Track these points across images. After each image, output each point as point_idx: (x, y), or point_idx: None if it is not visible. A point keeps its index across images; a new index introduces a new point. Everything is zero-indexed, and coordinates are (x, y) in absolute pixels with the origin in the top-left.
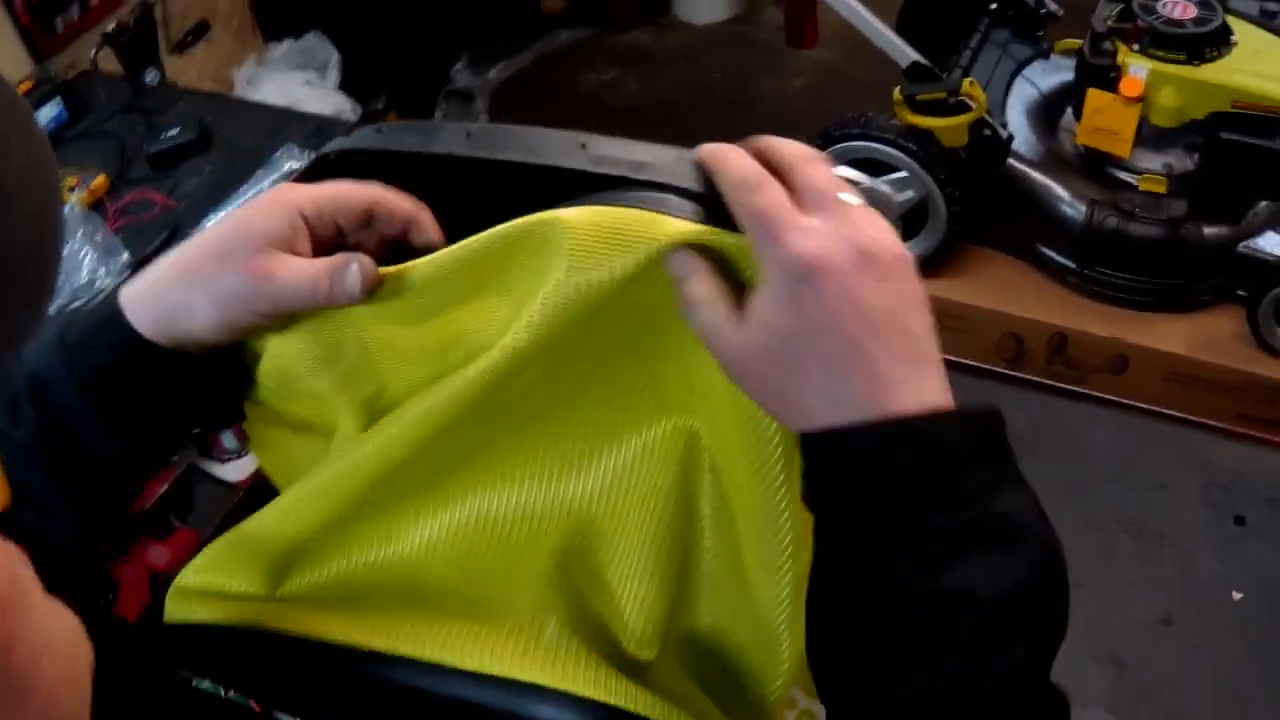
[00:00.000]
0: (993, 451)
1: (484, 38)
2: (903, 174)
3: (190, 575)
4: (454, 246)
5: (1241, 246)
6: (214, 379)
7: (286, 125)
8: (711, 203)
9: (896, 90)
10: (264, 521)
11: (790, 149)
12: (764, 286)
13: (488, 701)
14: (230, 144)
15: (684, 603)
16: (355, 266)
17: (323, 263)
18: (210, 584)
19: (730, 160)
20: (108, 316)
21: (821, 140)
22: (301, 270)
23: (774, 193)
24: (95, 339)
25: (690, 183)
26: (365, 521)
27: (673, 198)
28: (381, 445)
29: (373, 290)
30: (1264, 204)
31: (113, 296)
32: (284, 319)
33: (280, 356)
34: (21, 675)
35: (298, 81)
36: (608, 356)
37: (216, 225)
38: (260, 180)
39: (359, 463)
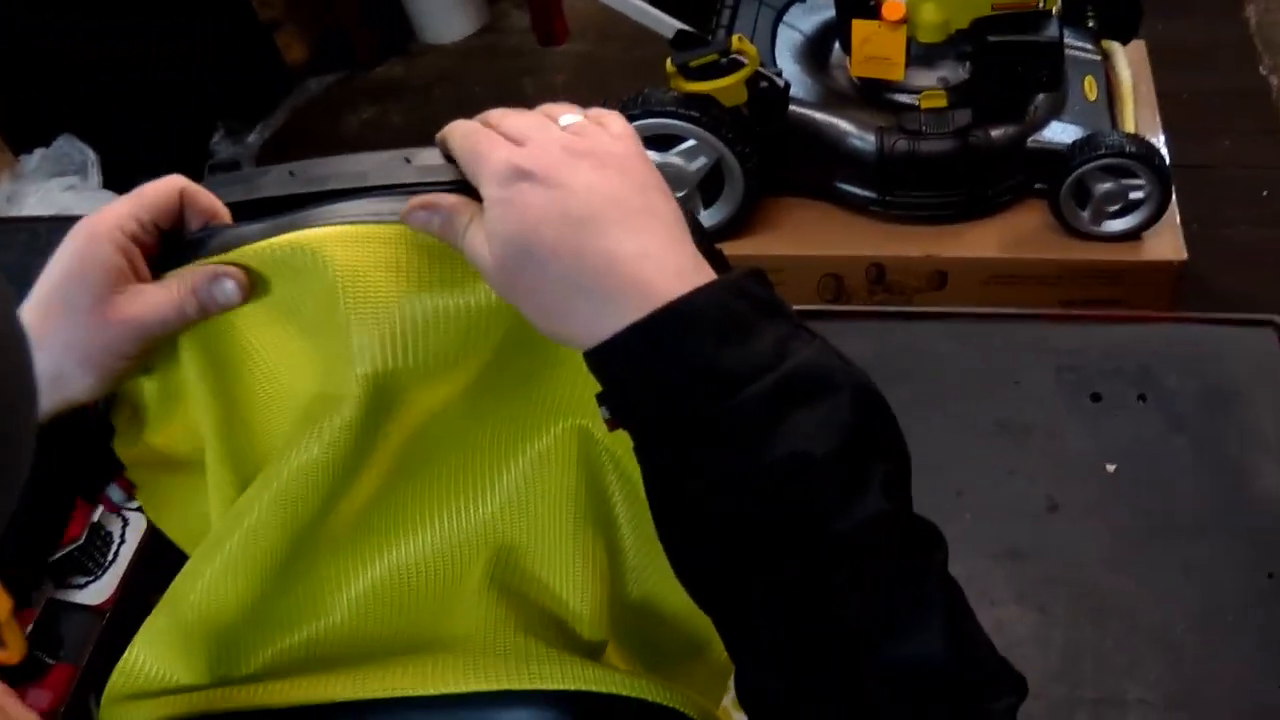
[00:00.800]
0: (768, 309)
1: (234, 104)
2: (691, 143)
3: (121, 681)
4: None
5: (1030, 142)
6: (86, 432)
7: (61, 234)
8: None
9: (668, 61)
10: (186, 604)
11: (513, 111)
12: (486, 207)
13: None
14: (7, 268)
15: (617, 582)
16: (227, 276)
17: (178, 285)
18: (146, 683)
19: (455, 127)
20: None
21: None
22: (161, 300)
23: (489, 132)
24: None
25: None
26: (288, 597)
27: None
28: (278, 513)
29: (248, 290)
30: (1042, 97)
31: None
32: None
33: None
34: None
35: (60, 188)
36: (485, 383)
37: (43, 284)
38: None
39: (261, 532)
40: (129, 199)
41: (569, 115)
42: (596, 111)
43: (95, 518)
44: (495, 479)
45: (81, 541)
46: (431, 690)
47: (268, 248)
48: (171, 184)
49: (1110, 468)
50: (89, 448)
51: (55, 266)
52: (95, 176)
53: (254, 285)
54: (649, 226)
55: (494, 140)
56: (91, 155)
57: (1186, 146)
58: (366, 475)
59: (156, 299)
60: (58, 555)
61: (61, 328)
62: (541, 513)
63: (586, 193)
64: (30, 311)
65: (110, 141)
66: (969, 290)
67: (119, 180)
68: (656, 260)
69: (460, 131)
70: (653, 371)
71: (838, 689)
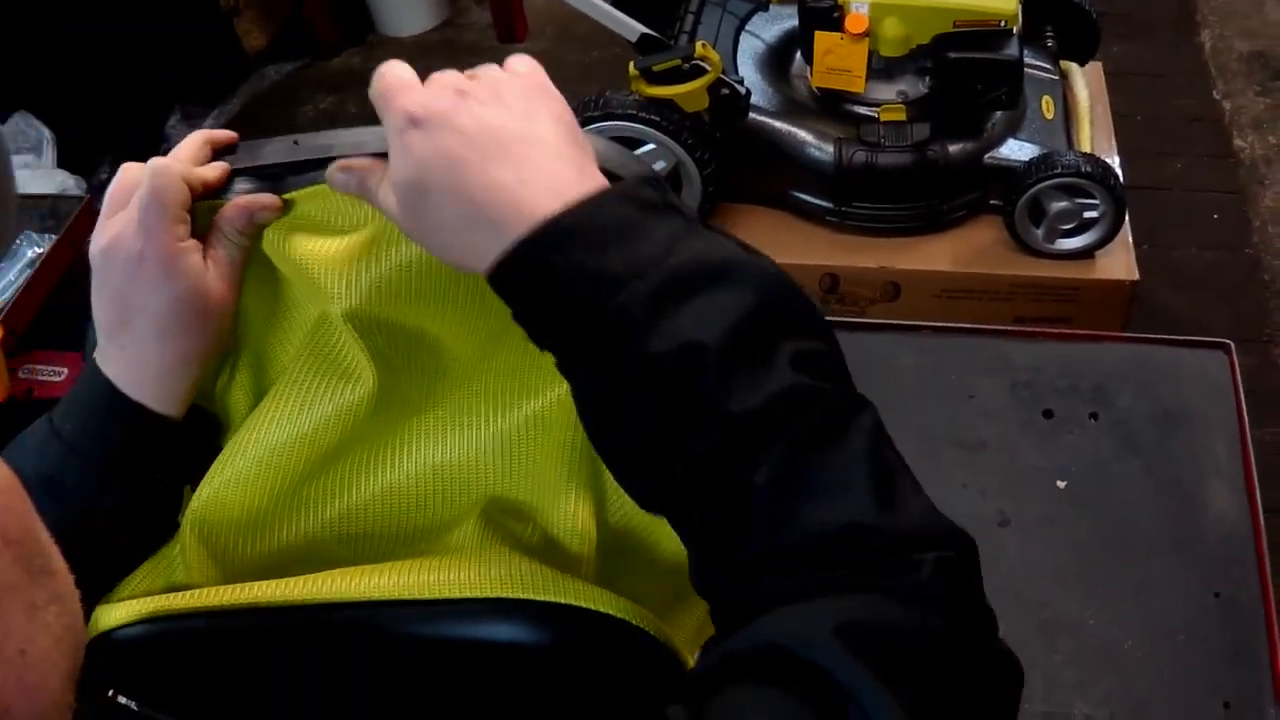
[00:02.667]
0: (658, 208)
1: (191, 88)
2: (650, 147)
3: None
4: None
5: (987, 159)
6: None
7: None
8: None
9: (631, 65)
10: (204, 505)
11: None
12: (390, 157)
13: (446, 633)
14: None
15: (604, 532)
16: (262, 212)
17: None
18: (150, 585)
19: (378, 74)
20: (108, 404)
21: None
22: (225, 276)
23: (394, 81)
24: (106, 428)
25: None
26: (292, 499)
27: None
28: (305, 434)
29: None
30: (1000, 114)
31: (100, 383)
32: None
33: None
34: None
35: (14, 166)
36: (494, 334)
37: (147, 316)
38: (6, 272)
39: (279, 448)
40: (178, 153)
41: (487, 67)
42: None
43: None
44: (515, 402)
45: None
46: (423, 594)
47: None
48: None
49: (1061, 484)
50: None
51: (152, 298)
52: (50, 155)
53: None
54: (528, 154)
55: (395, 89)
56: (47, 133)
57: (1139, 168)
58: (372, 404)
59: (223, 277)
60: None
61: (185, 341)
62: (536, 465)
63: (470, 132)
64: (149, 342)
65: (66, 120)
66: (922, 303)
67: (74, 159)
68: (534, 184)
69: (377, 80)
70: (539, 286)
71: (769, 556)
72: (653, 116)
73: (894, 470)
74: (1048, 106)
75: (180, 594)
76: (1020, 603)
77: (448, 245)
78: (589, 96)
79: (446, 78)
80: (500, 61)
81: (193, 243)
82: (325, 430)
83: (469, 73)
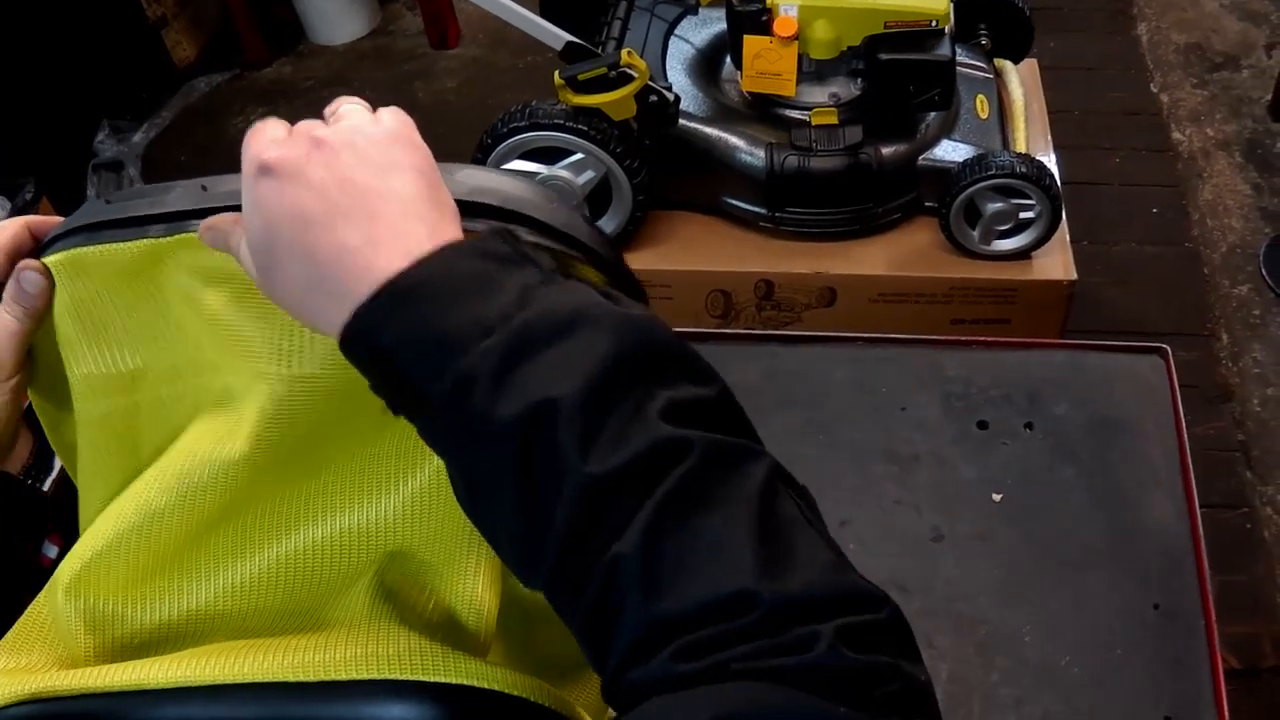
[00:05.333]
0: (511, 261)
1: (120, 102)
2: (579, 156)
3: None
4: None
5: (921, 160)
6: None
7: None
8: None
9: (557, 74)
10: (60, 585)
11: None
12: (244, 206)
13: (337, 715)
14: None
15: (509, 596)
16: (25, 268)
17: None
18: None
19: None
20: None
21: (491, 137)
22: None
23: (257, 129)
24: None
25: None
26: (174, 572)
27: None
28: (180, 498)
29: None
30: (933, 115)
31: None
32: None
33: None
34: None
35: None
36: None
37: None
38: None
39: (162, 515)
40: None
41: (349, 104)
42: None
43: None
44: (396, 484)
45: None
46: (313, 675)
47: (175, 241)
48: (13, 224)
49: (997, 497)
50: (22, 507)
51: None
52: None
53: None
54: (381, 211)
55: (253, 135)
56: None
57: (1077, 163)
58: (272, 468)
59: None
60: None
61: None
62: (439, 524)
63: (319, 186)
64: None
65: None
66: (858, 308)
67: (1, 180)
68: (385, 245)
69: (248, 133)
70: (385, 352)
71: (644, 638)
72: (580, 125)
73: (789, 528)
74: (982, 106)
75: (65, 673)
76: (956, 621)
77: (299, 306)
78: (514, 106)
79: (305, 125)
80: (436, 71)
81: None
82: (211, 493)
83: (333, 109)
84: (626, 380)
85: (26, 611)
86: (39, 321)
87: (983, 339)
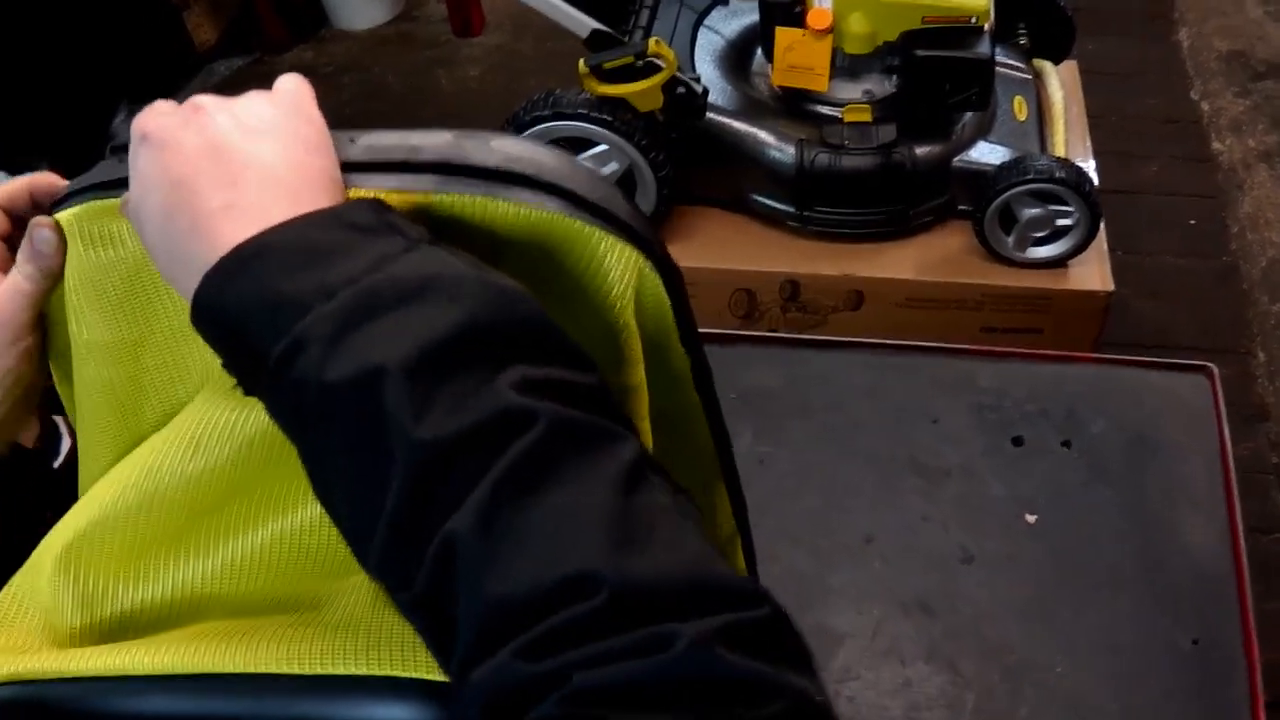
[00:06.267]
0: (373, 230)
1: (139, 85)
2: (602, 148)
3: None
4: None
5: (956, 162)
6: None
7: None
8: None
9: (582, 62)
10: (77, 542)
11: None
12: None
13: (333, 714)
14: None
15: None
16: (38, 225)
17: (16, 259)
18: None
19: None
20: None
21: (512, 126)
22: (7, 284)
23: (159, 103)
24: None
25: None
26: (170, 544)
27: None
28: (200, 471)
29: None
30: (969, 116)
31: None
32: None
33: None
34: None
35: None
36: None
37: None
38: None
39: (166, 485)
40: None
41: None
42: None
43: None
44: None
45: None
46: (303, 669)
47: None
48: (14, 182)
49: (1030, 518)
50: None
51: None
52: None
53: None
54: (245, 178)
55: (144, 113)
56: None
57: (1112, 171)
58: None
59: (5, 286)
60: None
61: None
62: None
63: (188, 149)
64: None
65: (4, 119)
66: (886, 312)
67: (10, 160)
68: (241, 211)
69: None
70: (228, 318)
71: (482, 631)
72: (604, 116)
73: (652, 514)
74: (1020, 107)
75: (47, 654)
76: (984, 647)
77: (170, 276)
78: (536, 94)
79: (197, 97)
80: (458, 59)
81: None
82: (221, 472)
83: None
84: (474, 350)
85: (9, 583)
86: (53, 281)
87: (1018, 350)
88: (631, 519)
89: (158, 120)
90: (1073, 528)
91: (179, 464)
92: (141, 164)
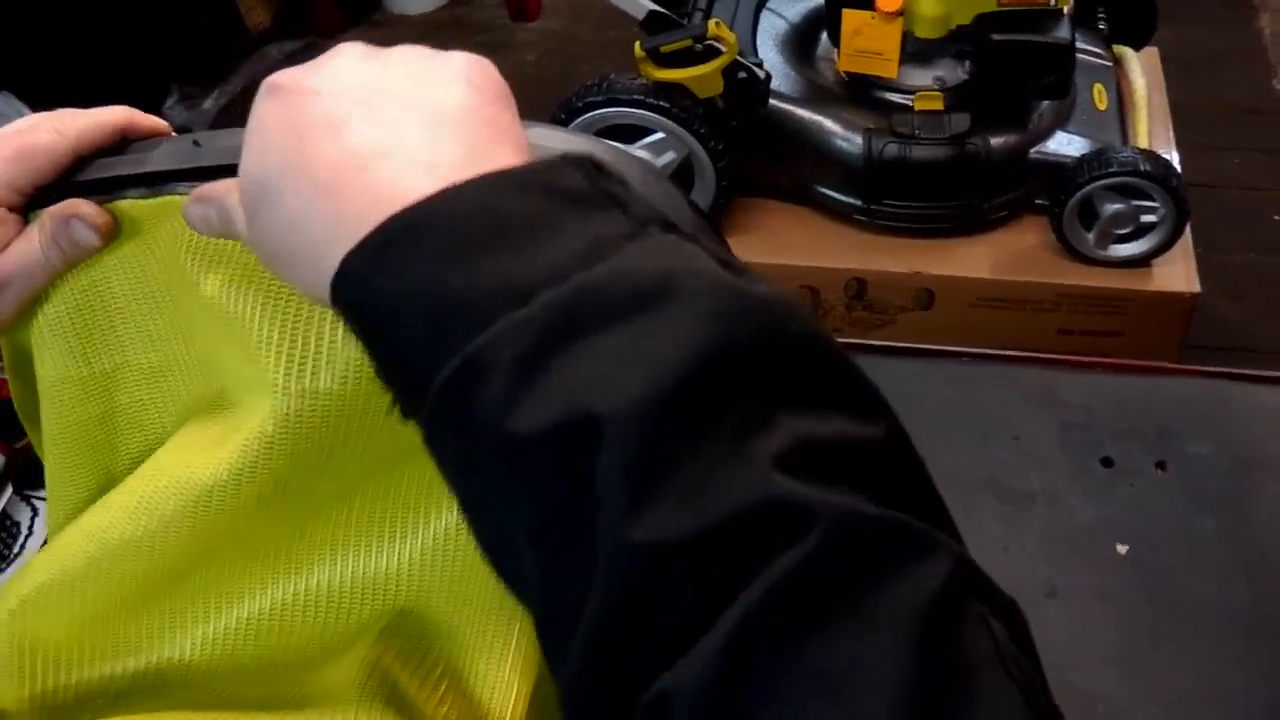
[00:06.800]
0: (588, 201)
1: (190, 68)
2: (659, 136)
3: None
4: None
5: (1032, 153)
6: None
7: None
8: None
9: (638, 45)
10: (20, 609)
11: None
12: None
13: None
14: None
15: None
16: (78, 216)
17: (39, 232)
18: None
19: None
20: None
21: (564, 112)
22: (22, 250)
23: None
24: None
25: None
26: (136, 618)
27: None
28: (148, 529)
29: (108, 234)
30: (1046, 104)
31: None
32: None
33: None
34: None
35: None
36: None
37: None
38: None
39: (124, 548)
40: (5, 161)
41: None
42: None
43: (0, 506)
44: (416, 525)
45: None
46: None
47: (167, 203)
48: (65, 143)
49: (1121, 549)
50: None
51: None
52: None
53: (117, 231)
54: (405, 119)
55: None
56: (29, 115)
57: (1191, 164)
58: (263, 502)
59: (22, 253)
60: None
61: None
62: (463, 575)
63: (328, 91)
64: None
65: (51, 102)
66: (957, 313)
67: None
68: (400, 162)
69: None
70: (379, 313)
71: None
72: (661, 102)
73: (968, 682)
74: (1100, 96)
75: None
76: (1069, 694)
77: (289, 256)
78: (591, 79)
79: (343, 45)
80: (514, 44)
81: (10, 220)
82: (182, 528)
83: None
84: (726, 392)
85: None
86: (71, 267)
87: (1106, 361)
88: (936, 692)
89: (290, 72)
90: (1169, 560)
91: (138, 525)
92: (264, 117)
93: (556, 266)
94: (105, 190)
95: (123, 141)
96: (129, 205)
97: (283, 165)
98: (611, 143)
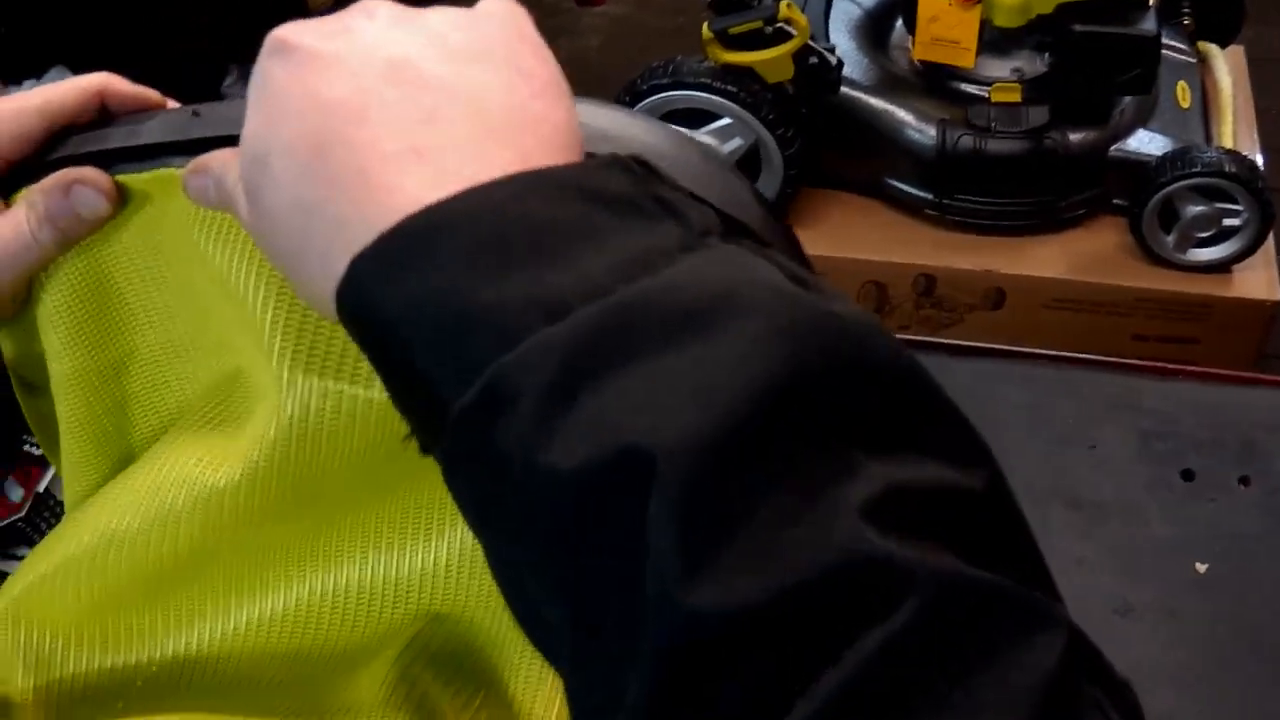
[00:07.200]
0: (631, 208)
1: (249, 46)
2: (725, 121)
3: None
4: None
5: (1112, 151)
6: None
7: None
8: None
9: (705, 26)
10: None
11: None
12: None
13: None
14: None
15: None
16: (83, 182)
17: (26, 208)
18: None
19: None
20: None
21: (629, 96)
22: (7, 232)
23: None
24: None
25: None
26: (146, 610)
27: None
28: (160, 525)
29: (116, 201)
30: (1128, 100)
31: None
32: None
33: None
34: None
35: None
36: None
37: None
38: None
39: (134, 539)
40: None
41: None
42: None
43: (43, 485)
44: (455, 523)
45: (24, 513)
46: None
47: (163, 176)
48: (69, 89)
49: (1200, 567)
50: None
51: None
52: None
53: (124, 201)
54: (443, 113)
55: (296, 23)
56: None
57: (1276, 167)
58: (279, 498)
59: (1, 235)
60: None
61: None
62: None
63: (357, 65)
64: None
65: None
66: (1028, 314)
67: None
68: (432, 161)
69: None
70: (384, 337)
71: None
72: (729, 87)
73: None
74: (1183, 94)
75: None
76: None
77: (298, 253)
78: (657, 62)
79: (368, 2)
80: (580, 29)
81: None
82: (189, 522)
83: None
84: (798, 428)
85: None
86: (63, 251)
87: (1191, 369)
88: None
89: (304, 29)
90: (1249, 581)
91: (142, 516)
92: (276, 82)
93: (596, 279)
94: (94, 166)
95: (102, 111)
96: (123, 180)
97: (289, 144)
98: (672, 126)
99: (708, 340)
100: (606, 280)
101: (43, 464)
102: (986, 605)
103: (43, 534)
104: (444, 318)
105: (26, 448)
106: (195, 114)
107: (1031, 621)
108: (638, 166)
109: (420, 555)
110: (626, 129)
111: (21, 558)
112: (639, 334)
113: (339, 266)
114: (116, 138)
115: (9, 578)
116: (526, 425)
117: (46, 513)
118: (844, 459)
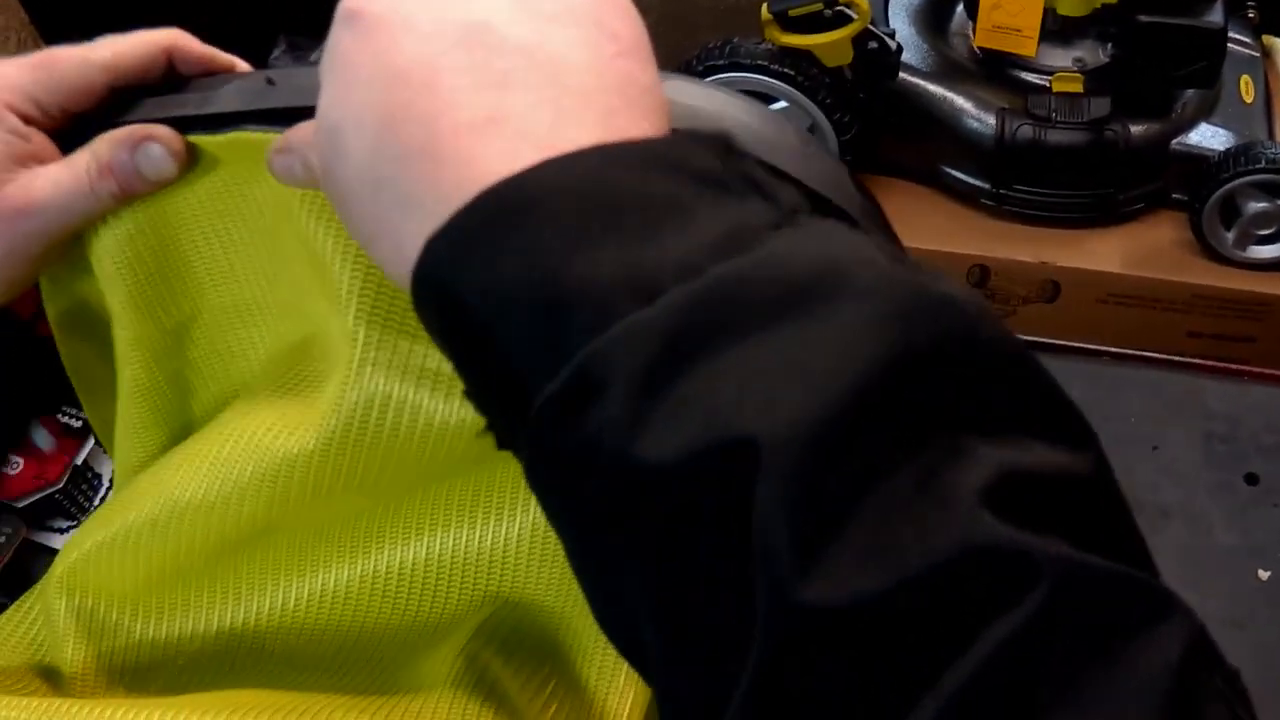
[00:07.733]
0: (719, 186)
1: (298, 16)
2: (782, 104)
3: None
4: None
5: (1174, 144)
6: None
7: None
8: None
9: (764, 8)
10: (77, 566)
11: None
12: None
13: None
14: None
15: None
16: (152, 138)
17: (87, 159)
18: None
19: None
20: None
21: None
22: (64, 179)
23: None
24: None
25: None
26: (205, 582)
27: None
28: (225, 497)
29: (184, 165)
30: (1191, 93)
31: None
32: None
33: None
34: None
35: None
36: None
37: None
38: None
39: (198, 511)
40: (27, 67)
41: None
42: None
43: (80, 458)
44: (528, 504)
45: (61, 484)
46: None
47: (236, 139)
48: (137, 44)
49: (1263, 574)
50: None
51: None
52: None
53: (192, 159)
54: (520, 78)
55: None
56: None
57: None
58: (355, 470)
59: (58, 178)
60: (34, 498)
61: None
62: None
63: (430, 30)
64: None
65: None
66: (1083, 308)
67: None
68: (511, 129)
69: None
70: (463, 319)
71: None
72: (786, 70)
73: None
74: (1247, 88)
75: (17, 702)
76: None
77: (374, 227)
78: (712, 42)
79: None
80: (638, 4)
81: (37, 139)
82: (257, 494)
83: None
84: (910, 412)
85: (15, 604)
86: (117, 205)
87: (1256, 370)
88: None
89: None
90: None
91: (208, 486)
92: (344, 51)
93: (688, 258)
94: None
95: (169, 70)
96: (194, 140)
97: (360, 115)
98: (768, 108)
99: (810, 320)
100: (698, 258)
101: (83, 435)
102: (1112, 592)
103: (80, 506)
104: (527, 300)
105: (64, 419)
106: (270, 81)
107: (1156, 608)
108: (724, 142)
109: (490, 536)
110: (725, 107)
111: (58, 529)
112: (735, 315)
113: (412, 249)
114: (191, 104)
115: (64, 546)
116: (619, 414)
117: (85, 485)
118: (958, 443)
